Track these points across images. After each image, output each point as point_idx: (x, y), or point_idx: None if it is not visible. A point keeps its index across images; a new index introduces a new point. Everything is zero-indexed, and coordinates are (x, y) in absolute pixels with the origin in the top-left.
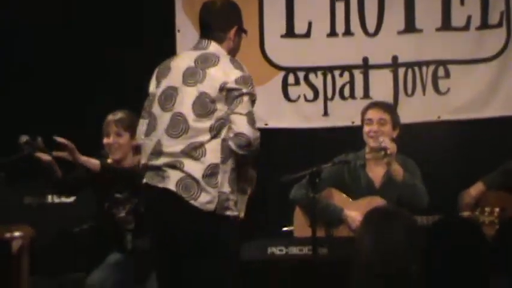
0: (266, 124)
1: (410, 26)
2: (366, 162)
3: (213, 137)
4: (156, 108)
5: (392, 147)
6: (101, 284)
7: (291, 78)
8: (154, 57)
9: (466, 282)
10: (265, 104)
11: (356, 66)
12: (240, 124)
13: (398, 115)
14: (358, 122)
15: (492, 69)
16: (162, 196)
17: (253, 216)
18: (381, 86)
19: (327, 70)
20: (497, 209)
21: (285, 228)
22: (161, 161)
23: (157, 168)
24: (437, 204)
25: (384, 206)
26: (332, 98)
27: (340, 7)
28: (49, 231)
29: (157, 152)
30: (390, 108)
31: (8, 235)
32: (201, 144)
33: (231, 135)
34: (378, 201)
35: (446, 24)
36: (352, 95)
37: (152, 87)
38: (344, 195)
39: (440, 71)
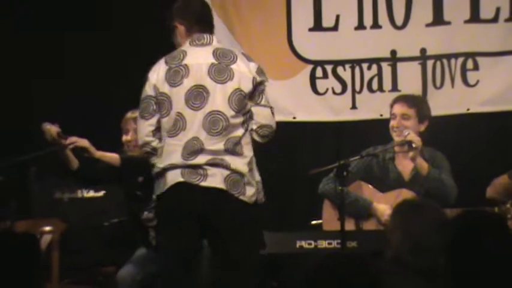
0: (294, 117)
1: (438, 19)
2: (395, 155)
3: (245, 130)
4: (182, 108)
5: (417, 140)
6: (132, 278)
7: (319, 72)
8: None
9: (491, 276)
10: (293, 98)
11: (384, 59)
12: (266, 116)
13: (428, 107)
14: (386, 115)
15: None
16: (204, 194)
17: (282, 210)
18: (409, 78)
19: (355, 63)
20: None
21: (313, 222)
22: (201, 159)
23: (197, 167)
24: (466, 197)
25: (413, 199)
26: (360, 91)
27: (367, 0)
28: (79, 225)
29: (196, 151)
30: (416, 102)
31: (39, 230)
32: (239, 140)
33: (255, 126)
34: (406, 194)
35: (474, 16)
36: (380, 88)
37: (161, 87)
38: (373, 188)
39: (469, 64)
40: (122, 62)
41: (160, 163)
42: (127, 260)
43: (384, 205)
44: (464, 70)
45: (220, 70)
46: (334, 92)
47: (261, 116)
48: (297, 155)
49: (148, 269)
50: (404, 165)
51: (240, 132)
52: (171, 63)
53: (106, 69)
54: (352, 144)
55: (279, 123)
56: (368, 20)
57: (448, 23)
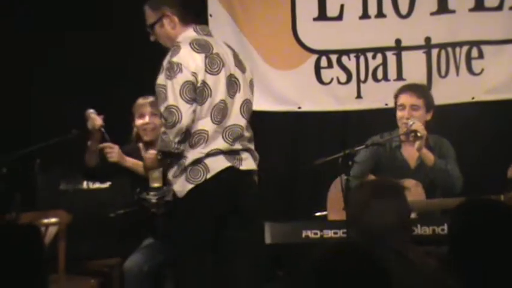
0: (299, 107)
1: (443, 7)
2: (401, 143)
3: None
4: (224, 96)
5: (422, 129)
6: (139, 268)
7: (323, 61)
8: None
9: (492, 263)
10: (298, 87)
11: (389, 48)
12: None
13: (432, 97)
14: (391, 104)
15: None
16: (243, 177)
17: (287, 200)
18: (414, 67)
19: (359, 52)
20: None
21: (317, 214)
22: (239, 145)
23: (235, 152)
24: (470, 185)
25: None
26: (365, 81)
27: None
28: (85, 216)
29: (238, 137)
30: (423, 92)
31: (44, 221)
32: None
33: None
34: (410, 184)
35: (479, 5)
36: (385, 77)
37: (202, 75)
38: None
39: (474, 52)
40: (122, 62)
41: (203, 148)
42: (132, 251)
43: None
44: (469, 58)
45: (240, 61)
46: (339, 82)
47: None
48: (302, 145)
49: (156, 259)
50: (410, 153)
51: None
52: (204, 52)
53: (106, 69)
54: (358, 133)
55: (284, 113)
56: (372, 9)
57: (453, 11)
